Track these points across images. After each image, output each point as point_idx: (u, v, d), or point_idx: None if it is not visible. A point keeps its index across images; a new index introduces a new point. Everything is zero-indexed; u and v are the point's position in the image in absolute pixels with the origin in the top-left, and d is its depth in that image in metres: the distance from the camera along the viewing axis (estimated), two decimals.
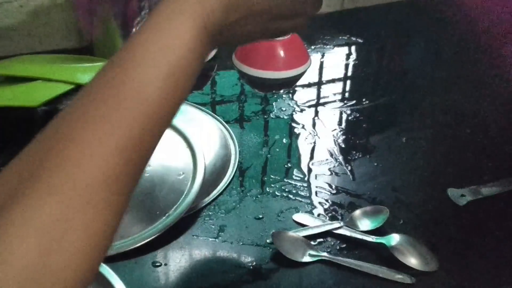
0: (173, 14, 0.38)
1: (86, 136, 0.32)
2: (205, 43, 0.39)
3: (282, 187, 0.73)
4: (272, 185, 0.73)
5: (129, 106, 0.34)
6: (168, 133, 0.68)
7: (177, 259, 0.63)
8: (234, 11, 0.40)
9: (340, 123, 0.86)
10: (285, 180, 0.74)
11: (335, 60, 1.03)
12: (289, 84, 0.95)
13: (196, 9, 0.39)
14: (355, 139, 0.82)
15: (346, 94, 0.94)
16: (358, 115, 0.88)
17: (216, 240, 0.65)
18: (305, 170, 0.76)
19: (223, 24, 0.40)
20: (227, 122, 0.85)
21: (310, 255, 0.63)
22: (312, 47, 1.07)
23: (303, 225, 0.67)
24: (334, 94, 0.93)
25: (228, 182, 0.73)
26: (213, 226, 0.67)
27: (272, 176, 0.75)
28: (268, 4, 0.42)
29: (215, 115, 0.86)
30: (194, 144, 0.76)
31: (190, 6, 0.38)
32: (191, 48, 0.38)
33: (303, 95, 0.92)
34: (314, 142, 0.82)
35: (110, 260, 0.61)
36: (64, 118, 0.34)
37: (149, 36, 0.37)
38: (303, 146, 0.81)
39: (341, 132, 0.84)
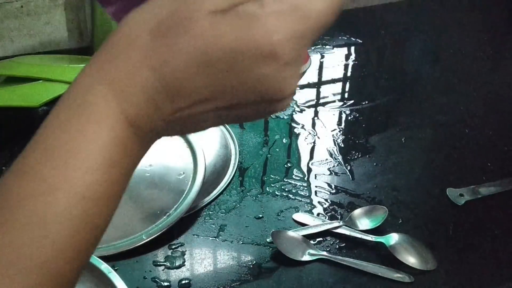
0: (84, 110, 0.29)
1: None
2: (134, 142, 0.30)
3: (282, 187, 0.73)
4: (272, 185, 0.73)
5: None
6: None
7: (177, 258, 0.63)
8: (168, 101, 0.29)
9: (339, 123, 0.86)
10: (285, 180, 0.74)
11: (335, 61, 1.03)
12: None
13: (112, 107, 0.29)
14: (354, 139, 0.83)
15: (346, 94, 0.94)
16: (357, 115, 0.88)
17: (216, 239, 0.66)
18: (305, 170, 0.76)
19: (157, 117, 0.30)
20: None
21: (310, 254, 0.63)
22: (312, 47, 1.08)
23: (302, 225, 0.67)
24: (334, 94, 0.93)
25: (228, 182, 0.73)
26: (213, 226, 0.67)
27: (272, 176, 0.75)
28: (212, 91, 0.29)
29: None
30: (194, 144, 0.76)
31: (103, 102, 0.29)
32: (110, 158, 0.29)
33: (303, 95, 0.92)
34: (314, 142, 0.82)
35: (111, 259, 0.61)
36: None
37: (54, 142, 0.28)
38: (303, 146, 0.81)
39: (341, 132, 0.84)
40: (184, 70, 0.28)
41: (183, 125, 0.31)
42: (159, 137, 0.32)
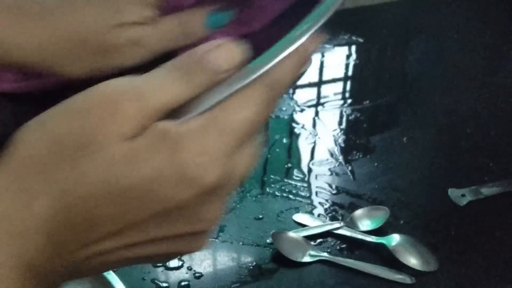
0: None
1: None
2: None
3: (282, 187, 0.73)
4: (272, 185, 0.73)
5: None
6: None
7: (176, 259, 0.63)
8: (71, 237, 0.24)
9: (340, 123, 0.86)
10: (285, 180, 0.74)
11: (336, 60, 1.03)
12: None
13: (4, 250, 0.24)
14: (355, 139, 0.83)
15: (347, 94, 0.94)
16: (358, 115, 0.88)
17: (216, 240, 0.65)
18: (305, 170, 0.76)
19: (60, 258, 0.25)
20: None
21: (310, 255, 0.63)
22: None
23: (303, 225, 0.67)
24: (335, 94, 0.93)
25: None
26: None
27: (272, 176, 0.75)
28: (123, 224, 0.25)
29: None
30: None
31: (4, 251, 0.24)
32: None
33: (303, 95, 0.92)
34: (314, 142, 0.82)
35: None
36: None
37: None
38: (303, 146, 0.81)
39: (342, 132, 0.84)
40: (90, 201, 0.24)
41: (91, 265, 0.26)
42: (64, 281, 0.27)
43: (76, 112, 0.24)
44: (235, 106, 0.25)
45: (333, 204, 0.71)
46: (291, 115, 0.87)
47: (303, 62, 0.27)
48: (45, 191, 0.24)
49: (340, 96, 0.93)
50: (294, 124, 0.85)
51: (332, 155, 0.79)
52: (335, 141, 0.82)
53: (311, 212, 0.69)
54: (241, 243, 0.65)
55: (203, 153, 0.24)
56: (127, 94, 0.24)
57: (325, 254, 0.63)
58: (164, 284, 0.60)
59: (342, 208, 0.70)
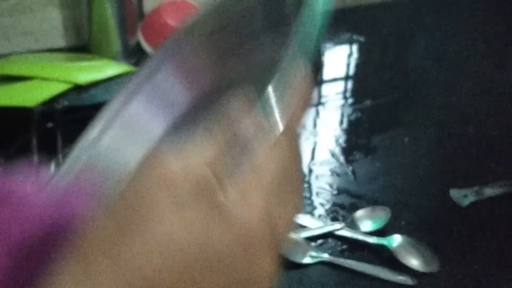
0: None
1: None
2: None
3: None
4: None
5: None
6: None
7: None
8: None
9: (341, 123, 0.86)
10: None
11: (337, 59, 1.02)
12: None
13: None
14: (356, 139, 0.82)
15: (348, 94, 0.93)
16: (359, 114, 0.88)
17: None
18: (306, 170, 0.76)
19: None
20: None
21: (311, 257, 0.62)
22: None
23: (303, 226, 0.67)
24: (336, 94, 0.93)
25: None
26: None
27: None
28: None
29: None
30: None
31: None
32: None
33: None
34: (315, 142, 0.81)
35: None
36: None
37: None
38: (304, 147, 0.80)
39: (343, 132, 0.84)
40: (152, 273, 0.24)
41: None
42: None
43: (127, 189, 0.26)
44: (261, 166, 0.27)
45: (334, 204, 0.70)
46: None
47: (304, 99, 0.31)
48: (107, 268, 0.24)
49: (341, 96, 0.92)
50: None
51: (333, 155, 0.79)
52: (336, 141, 0.82)
53: (311, 213, 0.69)
54: None
55: (246, 208, 0.25)
56: (171, 159, 0.26)
57: (326, 255, 0.63)
58: None
59: (343, 208, 0.70)
